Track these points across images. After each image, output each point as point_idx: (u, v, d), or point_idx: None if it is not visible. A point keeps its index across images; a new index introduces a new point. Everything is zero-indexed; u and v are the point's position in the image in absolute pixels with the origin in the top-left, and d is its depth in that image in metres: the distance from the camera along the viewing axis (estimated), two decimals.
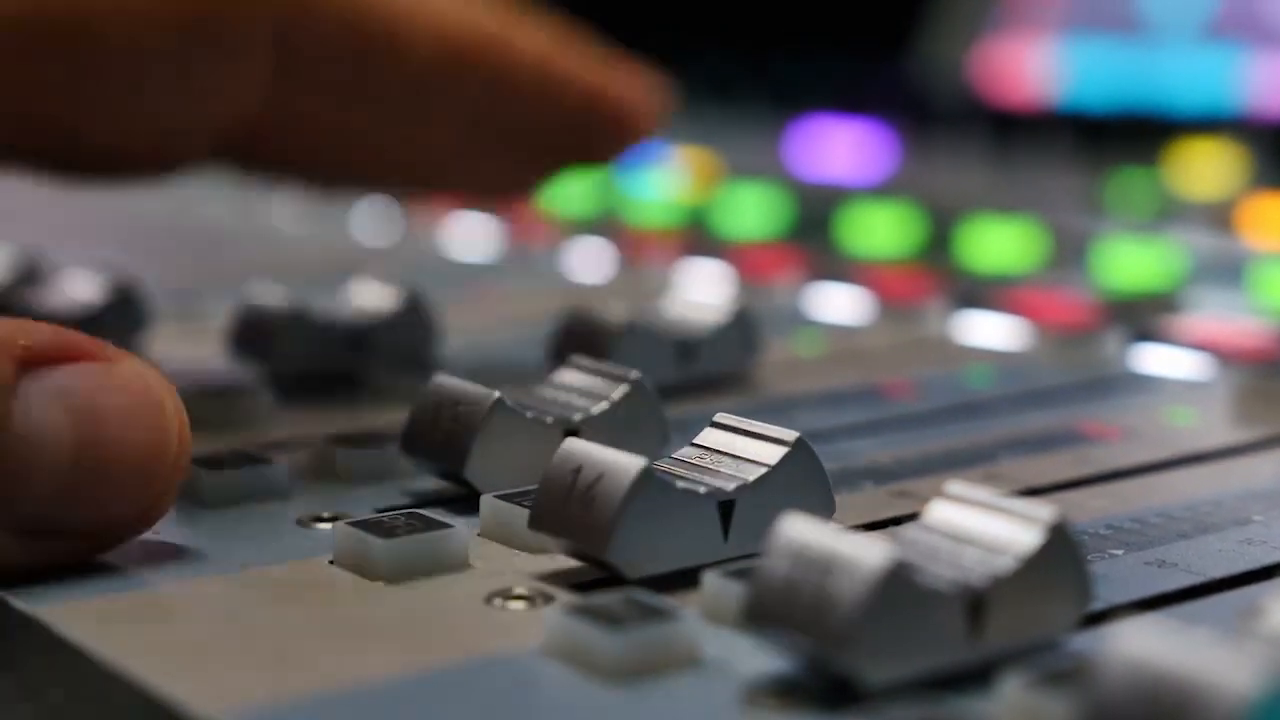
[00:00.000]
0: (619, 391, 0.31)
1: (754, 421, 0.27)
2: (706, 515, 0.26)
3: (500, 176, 0.37)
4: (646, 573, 0.25)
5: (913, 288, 0.49)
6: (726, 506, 0.26)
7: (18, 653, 0.24)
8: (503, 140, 0.35)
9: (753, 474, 0.26)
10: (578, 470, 0.25)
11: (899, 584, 0.21)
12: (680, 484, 0.26)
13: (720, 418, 0.28)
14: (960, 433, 0.35)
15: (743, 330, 0.39)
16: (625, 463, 0.25)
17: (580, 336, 0.36)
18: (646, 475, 0.25)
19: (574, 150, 0.36)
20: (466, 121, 0.34)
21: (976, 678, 0.22)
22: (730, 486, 0.26)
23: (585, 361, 0.32)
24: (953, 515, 0.23)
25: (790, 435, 0.27)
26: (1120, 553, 0.27)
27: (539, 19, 0.36)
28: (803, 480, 0.27)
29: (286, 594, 0.25)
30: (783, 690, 0.22)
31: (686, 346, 0.38)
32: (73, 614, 0.24)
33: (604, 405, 0.30)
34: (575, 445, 0.26)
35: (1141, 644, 0.18)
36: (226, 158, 0.35)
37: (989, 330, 0.45)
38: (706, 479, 0.26)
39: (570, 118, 0.36)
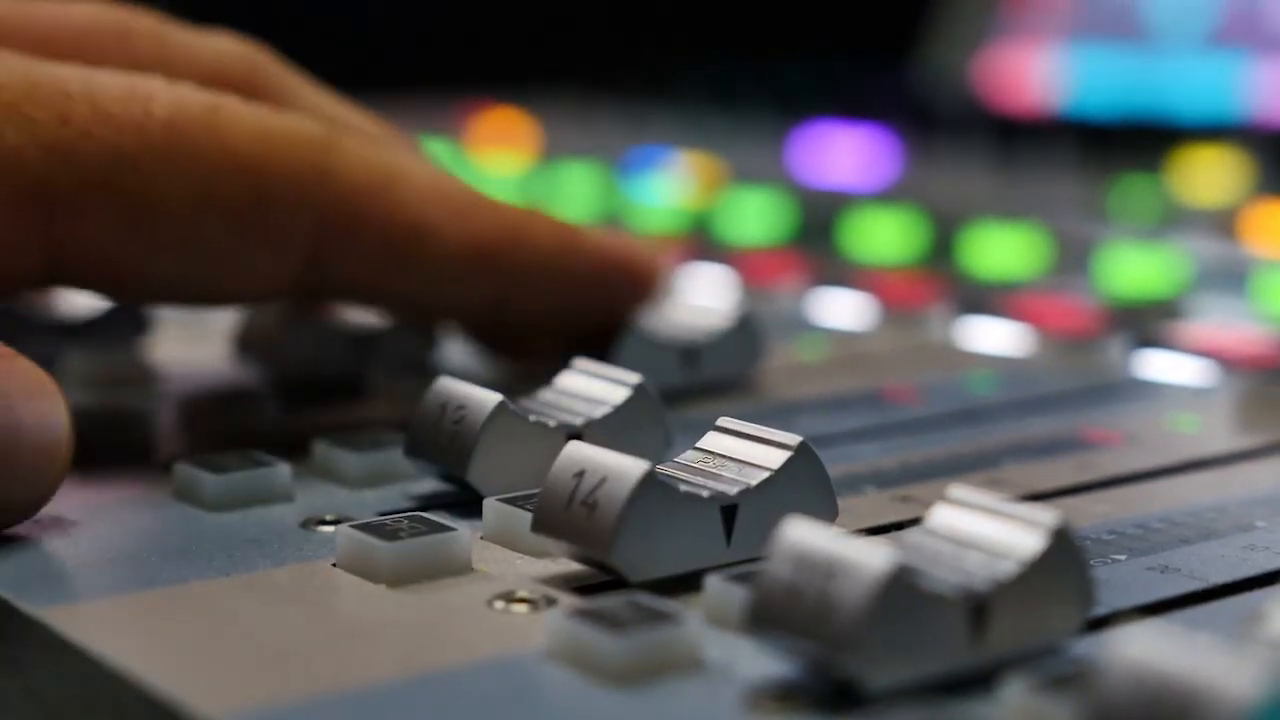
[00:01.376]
0: (621, 395, 0.31)
1: (757, 426, 0.27)
2: (709, 519, 0.26)
3: (519, 345, 0.38)
4: (649, 576, 0.25)
5: (916, 293, 0.49)
6: (729, 510, 0.26)
7: (20, 653, 0.24)
8: (520, 318, 0.36)
9: (756, 478, 0.26)
10: (580, 474, 0.25)
11: (901, 588, 0.21)
12: (683, 488, 0.26)
13: (723, 422, 0.28)
14: (963, 438, 0.35)
15: (746, 335, 0.39)
16: (628, 466, 0.25)
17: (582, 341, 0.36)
18: (649, 479, 0.25)
19: (592, 316, 0.37)
20: (488, 306, 0.36)
21: (978, 682, 0.22)
22: (733, 490, 0.26)
23: (588, 365, 0.32)
24: (955, 520, 0.23)
25: (793, 440, 0.27)
26: (1123, 558, 0.27)
27: (549, 211, 0.37)
28: (805, 484, 0.27)
29: (289, 597, 0.25)
30: (785, 694, 0.22)
31: (690, 352, 0.38)
32: (75, 615, 0.24)
33: (607, 409, 0.30)
34: (578, 449, 0.26)
35: (1144, 649, 0.18)
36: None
37: (992, 336, 0.45)
38: (709, 483, 0.26)
39: (588, 294, 0.37)
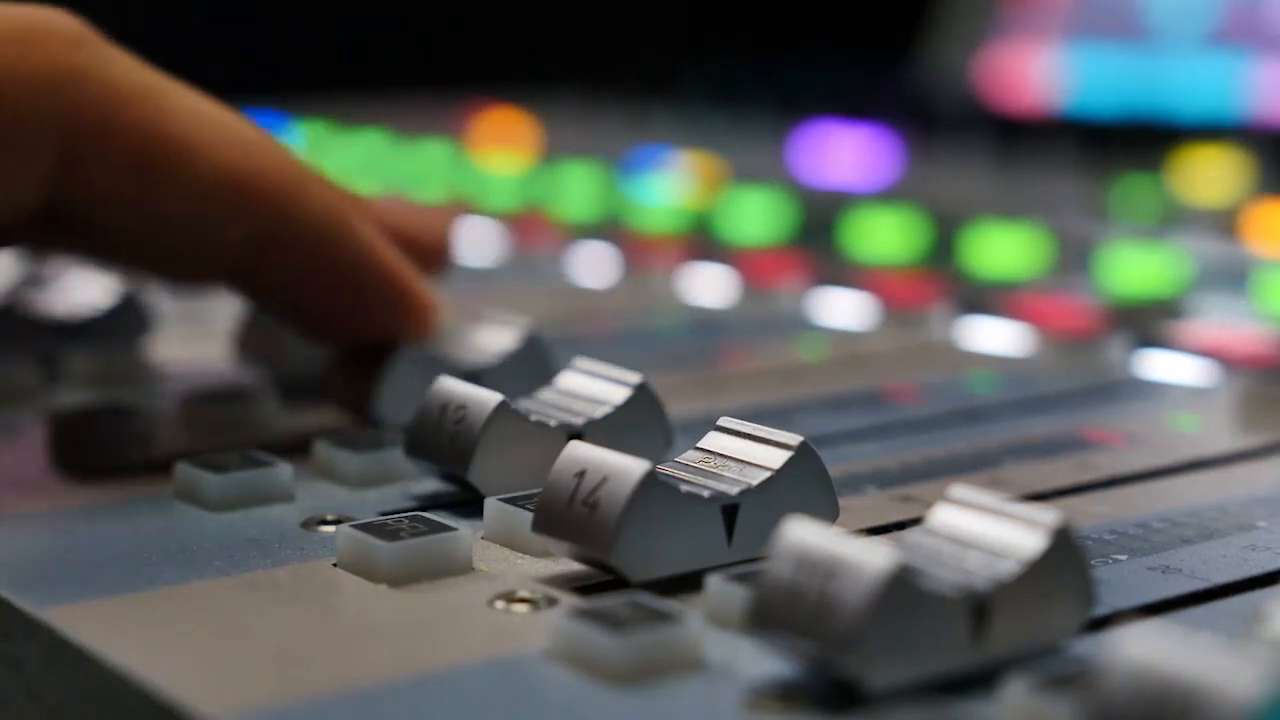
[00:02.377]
0: (622, 395, 0.31)
1: (758, 425, 0.27)
2: (710, 519, 0.26)
3: (282, 307, 0.35)
4: (650, 576, 0.25)
5: (917, 293, 0.49)
6: (730, 510, 0.26)
7: (20, 653, 0.24)
8: (279, 278, 0.34)
9: (757, 478, 0.26)
10: (581, 474, 0.25)
11: (902, 588, 0.21)
12: (684, 488, 0.26)
13: (724, 421, 0.28)
14: (964, 438, 0.35)
15: (533, 357, 0.36)
16: (629, 466, 0.25)
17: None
18: (650, 479, 0.25)
19: (344, 316, 0.34)
20: (244, 249, 0.33)
21: (979, 682, 0.22)
22: (734, 490, 0.26)
23: (589, 365, 0.32)
24: (956, 519, 0.23)
25: (794, 439, 0.27)
26: (1124, 558, 0.27)
27: (337, 182, 0.35)
28: (806, 484, 0.27)
29: (290, 597, 0.25)
30: (786, 694, 0.22)
31: (470, 376, 0.33)
32: (77, 615, 0.24)
33: (607, 409, 0.30)
34: (579, 449, 0.26)
35: (1145, 648, 0.18)
36: (18, 239, 0.35)
37: (993, 336, 0.45)
38: (710, 483, 0.26)
39: (347, 279, 0.34)
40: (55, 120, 0.30)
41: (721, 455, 0.27)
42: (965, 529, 0.23)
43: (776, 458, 0.27)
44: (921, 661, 0.21)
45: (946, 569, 0.22)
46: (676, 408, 0.32)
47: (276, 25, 1.06)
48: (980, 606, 0.22)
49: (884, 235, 0.58)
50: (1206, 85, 0.83)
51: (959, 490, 0.24)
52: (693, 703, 0.22)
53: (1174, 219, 0.63)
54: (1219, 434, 0.36)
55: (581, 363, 0.32)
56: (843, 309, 0.49)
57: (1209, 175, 0.70)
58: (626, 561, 0.25)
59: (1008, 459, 0.33)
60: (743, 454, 0.27)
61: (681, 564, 0.25)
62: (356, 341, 0.34)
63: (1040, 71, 0.89)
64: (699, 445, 0.27)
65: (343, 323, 0.34)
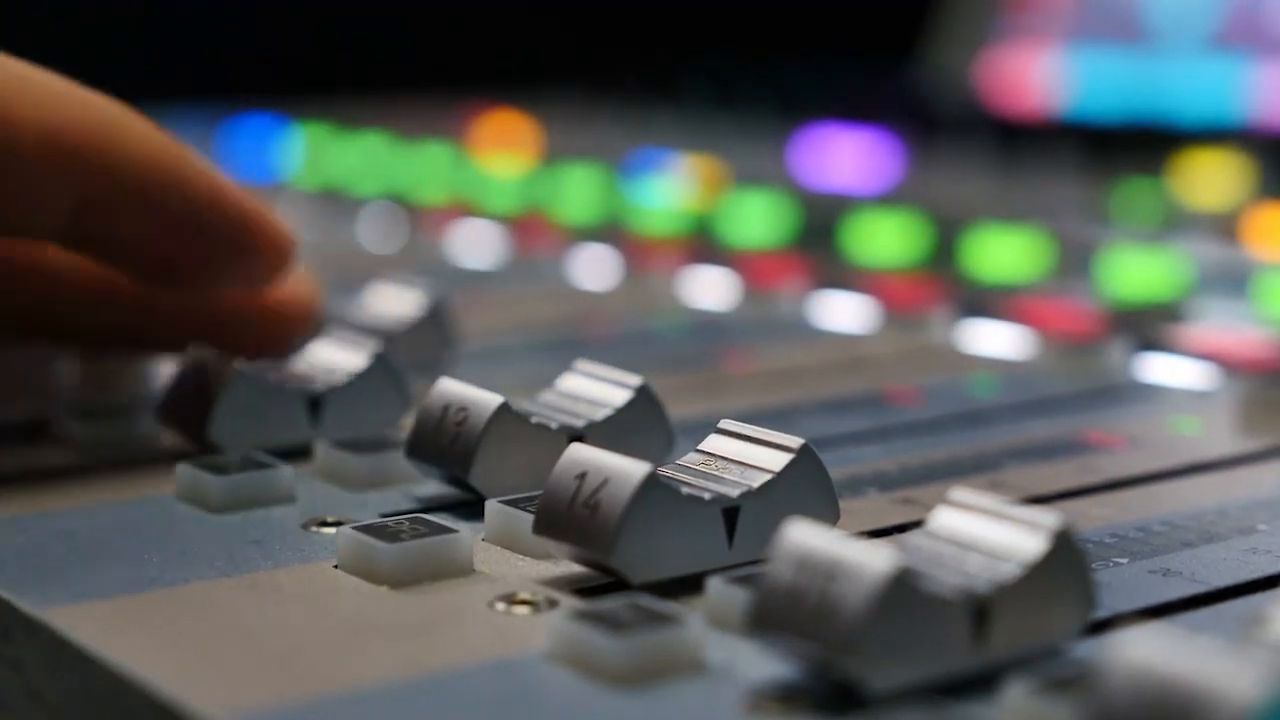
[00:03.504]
0: (623, 397, 0.31)
1: (759, 428, 0.27)
2: (711, 521, 0.26)
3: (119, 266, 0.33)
4: (651, 578, 0.25)
5: (918, 296, 0.49)
6: (731, 512, 0.26)
7: (20, 653, 0.24)
8: (107, 241, 0.32)
9: (758, 480, 0.26)
10: (582, 476, 0.25)
11: (903, 590, 0.21)
12: (685, 490, 0.26)
13: (725, 424, 0.28)
14: (965, 441, 0.35)
15: (437, 324, 0.39)
16: (630, 468, 0.25)
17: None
18: (651, 481, 0.25)
19: (193, 264, 0.33)
20: (67, 212, 0.31)
21: (979, 684, 0.22)
22: (735, 493, 0.26)
23: (590, 367, 0.32)
24: (957, 522, 0.23)
25: (795, 442, 0.27)
26: (1124, 561, 0.27)
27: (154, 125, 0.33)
28: (807, 487, 0.27)
29: (290, 598, 0.25)
30: (786, 696, 0.22)
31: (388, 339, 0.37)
32: (77, 615, 0.24)
33: (608, 411, 0.30)
34: (580, 451, 0.26)
35: (1145, 651, 0.18)
36: None
37: (994, 339, 0.45)
38: (711, 485, 0.26)
39: (187, 224, 0.32)
40: None
41: (722, 458, 0.27)
42: (966, 531, 0.23)
43: (777, 460, 0.27)
44: (922, 664, 0.21)
45: (947, 571, 0.22)
46: (677, 410, 0.32)
47: (277, 28, 1.06)
48: (981, 609, 0.22)
49: (885, 238, 0.58)
50: (1207, 89, 0.83)
51: (959, 493, 0.24)
52: (693, 704, 0.22)
53: (1175, 222, 0.63)
54: (1219, 437, 0.36)
55: (582, 365, 0.32)
56: (843, 312, 0.49)
57: (1210, 179, 0.70)
58: (627, 563, 0.25)
59: (1008, 462, 0.33)
60: (744, 456, 0.27)
61: (682, 566, 0.25)
62: (214, 287, 0.34)
63: (1041, 75, 0.89)
64: (700, 448, 0.27)
65: (193, 270, 0.33)
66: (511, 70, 1.00)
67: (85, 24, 1.01)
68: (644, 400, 0.31)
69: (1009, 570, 0.22)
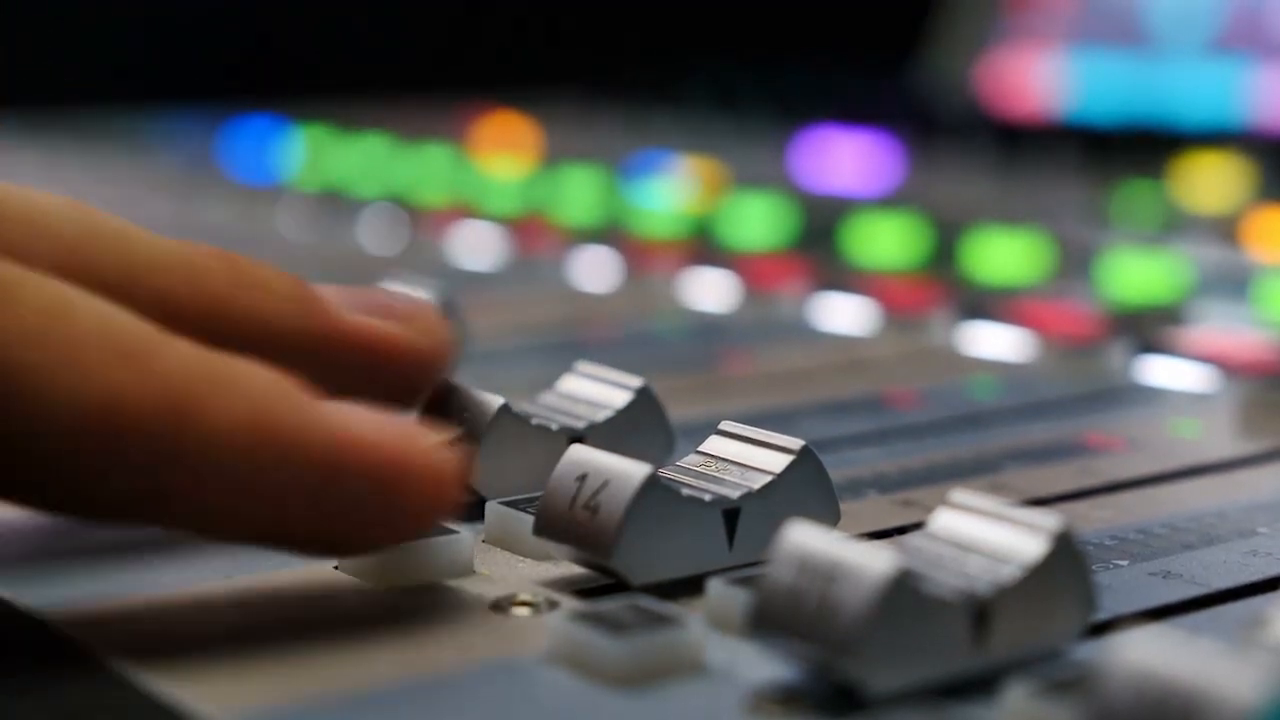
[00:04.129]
0: (624, 399, 0.31)
1: (759, 429, 0.27)
2: (711, 522, 0.26)
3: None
4: (651, 579, 0.25)
5: (918, 298, 0.49)
6: (732, 514, 0.26)
7: (20, 653, 0.24)
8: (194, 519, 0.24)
9: (758, 482, 0.26)
10: (583, 477, 0.25)
11: (903, 592, 0.21)
12: (685, 491, 0.26)
13: (726, 425, 0.28)
14: (965, 443, 0.35)
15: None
16: (630, 470, 0.25)
17: None
18: (652, 482, 0.25)
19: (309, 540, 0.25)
20: (128, 502, 0.23)
21: (979, 686, 0.22)
22: (736, 494, 0.26)
23: (590, 368, 0.32)
24: (958, 524, 0.23)
25: (796, 443, 0.27)
26: (1125, 563, 0.27)
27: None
28: (808, 488, 0.27)
29: (291, 599, 0.25)
30: (787, 697, 0.22)
31: None
32: (77, 616, 0.24)
33: (609, 412, 0.30)
34: (580, 452, 0.26)
35: (1146, 653, 0.18)
36: None
37: (994, 341, 0.45)
38: (712, 486, 0.26)
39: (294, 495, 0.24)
40: None
41: (723, 459, 0.27)
42: (966, 533, 0.23)
43: (778, 462, 0.27)
44: (922, 665, 0.21)
45: (947, 573, 0.22)
46: (678, 411, 0.32)
47: (277, 30, 1.06)
48: (981, 611, 0.22)
49: (885, 240, 0.58)
50: (1208, 92, 0.83)
51: (960, 495, 0.24)
52: (693, 706, 0.22)
53: (1175, 225, 0.63)
54: (1220, 440, 0.36)
55: (583, 366, 0.32)
56: (844, 314, 0.49)
57: (1210, 182, 0.70)
58: (628, 565, 0.25)
59: (1009, 464, 0.33)
60: (744, 458, 0.27)
61: (683, 568, 0.25)
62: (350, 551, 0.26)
63: (1042, 77, 0.89)
64: (700, 449, 0.27)
65: (316, 541, 0.25)
66: (512, 72, 1.00)
67: (87, 26, 1.01)
68: (644, 402, 0.31)
69: (1009, 572, 0.22)
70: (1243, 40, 0.83)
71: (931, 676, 0.22)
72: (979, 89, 0.90)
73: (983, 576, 0.22)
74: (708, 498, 0.26)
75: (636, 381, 0.31)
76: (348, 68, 1.03)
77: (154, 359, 0.23)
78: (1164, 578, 0.27)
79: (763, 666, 0.22)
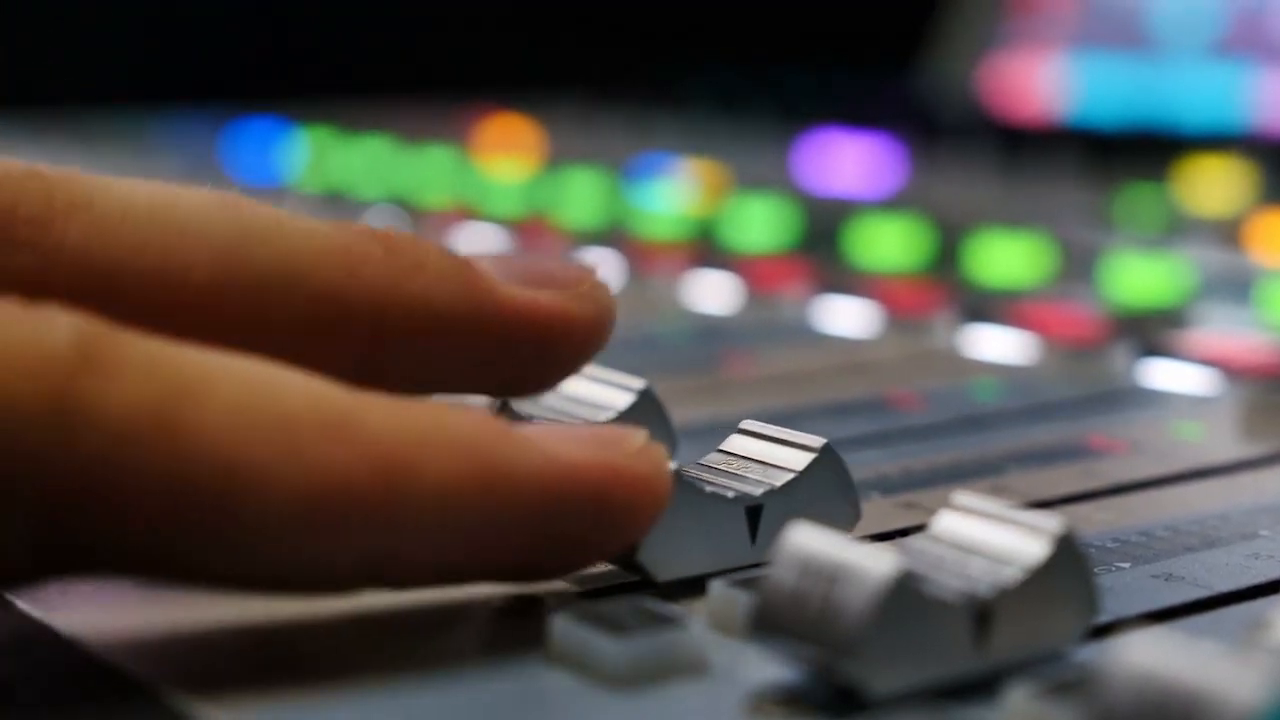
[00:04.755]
0: (626, 400, 0.31)
1: (780, 428, 0.28)
2: (734, 519, 0.26)
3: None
4: (675, 576, 0.25)
5: (921, 301, 0.49)
6: (754, 511, 0.26)
7: (20, 653, 0.24)
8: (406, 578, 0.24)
9: (781, 479, 0.27)
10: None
11: (905, 593, 0.21)
12: (708, 488, 0.26)
13: (747, 424, 0.28)
14: (967, 445, 0.35)
15: None
16: None
17: None
18: (676, 479, 0.25)
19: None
20: (347, 577, 0.23)
21: (980, 688, 0.22)
22: (758, 491, 0.26)
23: (593, 370, 0.32)
24: (960, 526, 0.23)
25: (817, 442, 0.27)
26: (1127, 566, 0.27)
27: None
28: (829, 486, 0.27)
29: (291, 599, 0.25)
30: (788, 699, 0.22)
31: None
32: (77, 616, 0.24)
33: (611, 414, 0.30)
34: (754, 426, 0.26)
35: (1147, 655, 0.18)
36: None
37: (996, 343, 0.45)
38: (734, 484, 0.27)
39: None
40: (38, 480, 0.21)
41: (745, 457, 0.27)
42: (968, 535, 0.23)
43: (800, 460, 0.27)
44: (924, 667, 0.21)
45: (949, 575, 0.22)
46: (680, 413, 0.32)
47: (279, 31, 1.06)
48: (983, 612, 0.22)
49: (888, 243, 0.58)
50: (1210, 95, 0.83)
51: (962, 497, 0.24)
52: (694, 707, 0.22)
53: (1178, 228, 0.63)
54: (1222, 443, 0.36)
55: (585, 368, 0.32)
56: (846, 316, 0.49)
57: (1213, 185, 0.70)
58: (653, 561, 0.25)
59: (1011, 466, 0.33)
60: (766, 456, 0.27)
61: (706, 564, 0.25)
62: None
63: (1044, 81, 0.89)
64: (722, 448, 0.28)
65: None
66: (515, 74, 1.00)
67: (89, 26, 1.01)
68: (646, 403, 0.31)
69: (1011, 574, 0.22)
70: (1245, 43, 0.83)
71: (933, 678, 0.22)
72: (981, 92, 0.90)
73: (984, 578, 0.22)
74: (731, 494, 0.26)
75: (639, 383, 0.31)
76: (350, 69, 1.03)
77: (361, 426, 0.22)
78: (1166, 580, 0.27)
79: (764, 668, 0.22)
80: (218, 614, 0.25)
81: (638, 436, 0.24)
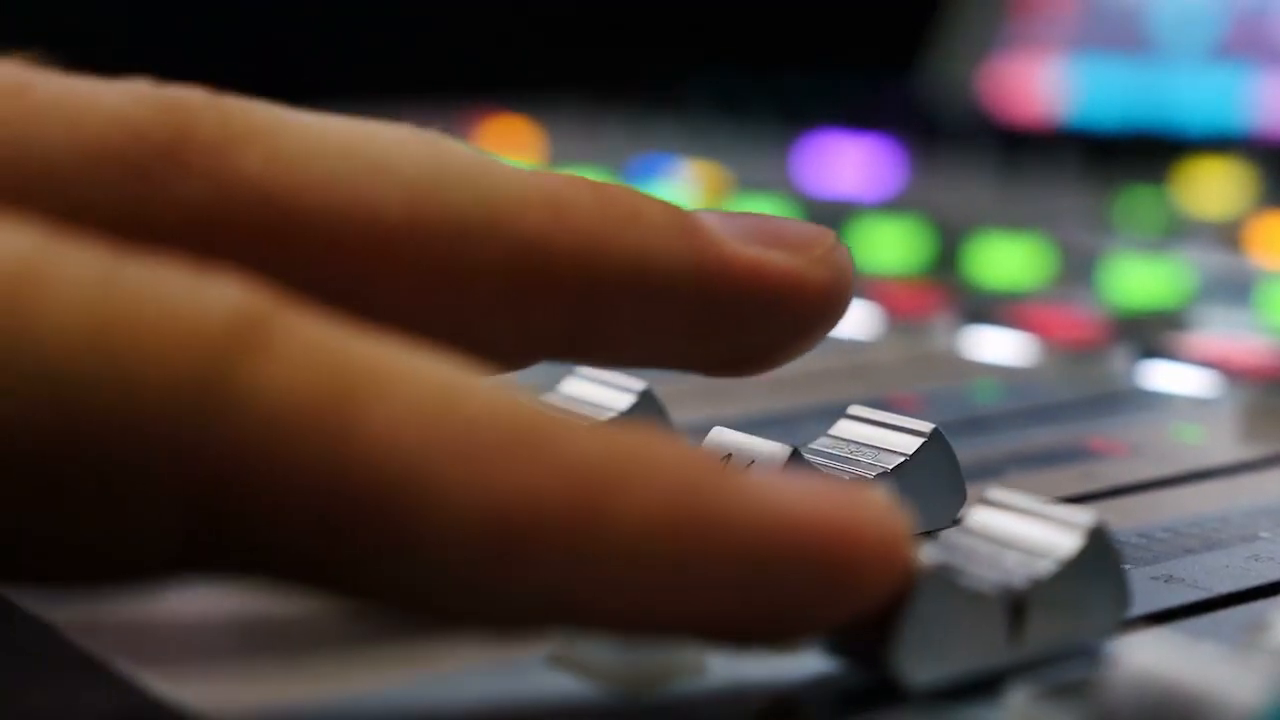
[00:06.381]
0: (626, 402, 0.31)
1: (889, 413, 0.28)
2: None
3: None
4: None
5: (921, 303, 0.49)
6: None
7: (20, 653, 0.24)
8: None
9: (892, 463, 0.27)
10: (728, 457, 0.26)
11: (943, 585, 0.21)
12: (825, 471, 0.27)
13: (854, 410, 0.29)
14: (967, 447, 0.35)
15: None
16: (774, 450, 0.26)
17: None
18: (795, 460, 0.26)
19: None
20: (535, 615, 0.21)
21: (981, 689, 0.22)
22: (871, 474, 0.27)
23: (593, 371, 0.32)
24: (993, 520, 0.23)
25: (926, 426, 0.28)
26: (1127, 568, 0.27)
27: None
28: (938, 469, 0.28)
29: (292, 599, 0.25)
30: (788, 701, 0.22)
31: None
32: (76, 616, 0.24)
33: (611, 415, 0.30)
34: (724, 434, 0.27)
35: (1148, 657, 0.18)
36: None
37: (997, 345, 0.45)
38: (847, 468, 0.27)
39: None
40: (191, 464, 0.18)
41: (855, 442, 0.28)
42: (1001, 529, 0.23)
43: (909, 444, 0.28)
44: (960, 660, 0.22)
45: (984, 568, 0.23)
46: (680, 415, 0.32)
47: (279, 32, 1.06)
48: (1017, 605, 0.22)
49: (888, 245, 0.58)
50: (1210, 98, 0.83)
51: (995, 491, 0.24)
52: (695, 709, 0.22)
53: (1178, 231, 0.63)
54: (1222, 445, 0.36)
55: (585, 369, 0.32)
56: (847, 318, 0.48)
57: (1213, 187, 0.70)
58: None
59: (1011, 468, 0.33)
60: (876, 440, 0.28)
61: None
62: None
63: (1044, 83, 0.89)
64: (831, 433, 0.28)
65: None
66: (515, 76, 1.00)
67: (85, 29, 1.01)
68: (647, 405, 0.31)
69: (1045, 567, 0.22)
70: (1245, 46, 0.83)
71: (968, 670, 0.22)
72: (982, 94, 0.90)
73: (1018, 571, 0.22)
74: (846, 478, 0.27)
75: (639, 384, 0.31)
76: (351, 69, 1.03)
77: (555, 445, 0.19)
78: (1166, 582, 0.27)
79: (765, 670, 0.22)
80: (217, 612, 0.25)
81: (879, 497, 0.21)
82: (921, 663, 0.21)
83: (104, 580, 0.20)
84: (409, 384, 0.19)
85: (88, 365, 0.18)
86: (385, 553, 0.19)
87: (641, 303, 0.23)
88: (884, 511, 0.20)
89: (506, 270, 0.23)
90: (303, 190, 0.22)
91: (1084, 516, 0.23)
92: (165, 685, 0.22)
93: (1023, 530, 0.23)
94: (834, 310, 0.25)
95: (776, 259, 0.24)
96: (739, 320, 0.24)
